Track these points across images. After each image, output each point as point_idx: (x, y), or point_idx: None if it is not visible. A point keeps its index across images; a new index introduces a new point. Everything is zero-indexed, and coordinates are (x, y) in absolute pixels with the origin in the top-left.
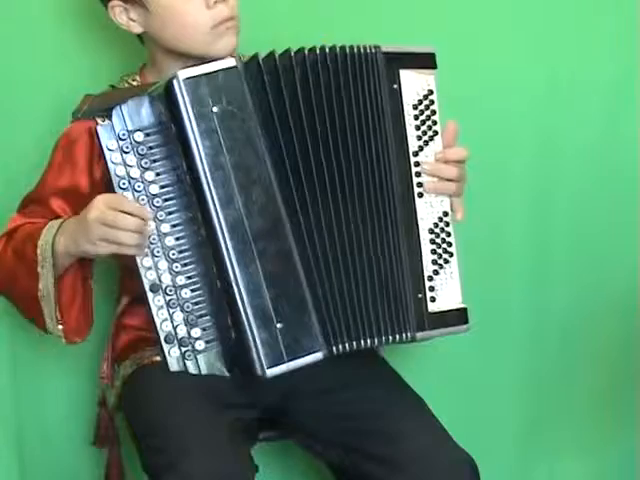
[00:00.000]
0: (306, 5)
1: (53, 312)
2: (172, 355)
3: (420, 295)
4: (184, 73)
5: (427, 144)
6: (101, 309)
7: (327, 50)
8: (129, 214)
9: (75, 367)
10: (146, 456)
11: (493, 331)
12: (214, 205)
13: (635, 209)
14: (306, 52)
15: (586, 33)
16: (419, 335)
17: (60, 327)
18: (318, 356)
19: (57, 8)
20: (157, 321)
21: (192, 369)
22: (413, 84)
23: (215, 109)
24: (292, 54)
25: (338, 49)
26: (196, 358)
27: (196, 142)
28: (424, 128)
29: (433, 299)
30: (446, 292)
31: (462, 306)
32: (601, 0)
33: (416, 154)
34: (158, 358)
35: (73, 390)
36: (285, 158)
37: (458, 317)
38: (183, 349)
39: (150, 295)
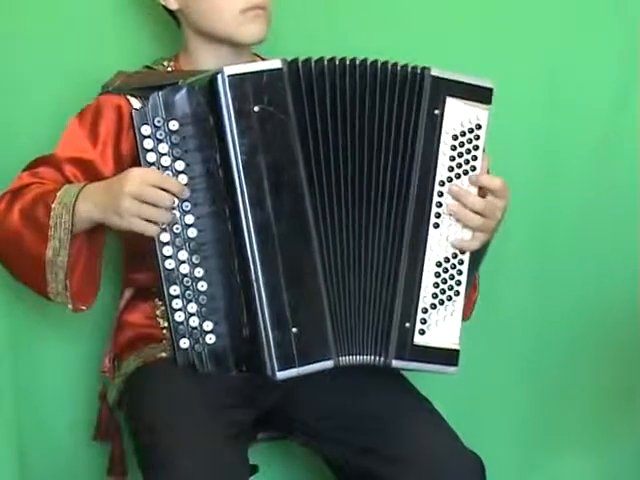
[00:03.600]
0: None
1: (63, 278)
2: (181, 346)
3: (408, 324)
4: (230, 69)
5: (459, 177)
6: (102, 301)
7: (366, 63)
8: (167, 191)
9: (76, 358)
10: (141, 454)
11: (497, 330)
12: (244, 203)
13: (636, 215)
14: (347, 62)
15: (587, 38)
16: (394, 363)
17: (68, 294)
18: (329, 364)
19: None
20: (170, 310)
21: (199, 363)
22: (459, 114)
23: (256, 108)
24: (325, 62)
25: (380, 64)
26: (204, 351)
27: (233, 139)
28: (460, 160)
29: (422, 332)
30: (441, 329)
31: (455, 347)
32: (604, 9)
33: (442, 184)
34: (160, 355)
35: (74, 382)
36: (313, 164)
37: (446, 357)
38: (193, 341)
39: (166, 284)
